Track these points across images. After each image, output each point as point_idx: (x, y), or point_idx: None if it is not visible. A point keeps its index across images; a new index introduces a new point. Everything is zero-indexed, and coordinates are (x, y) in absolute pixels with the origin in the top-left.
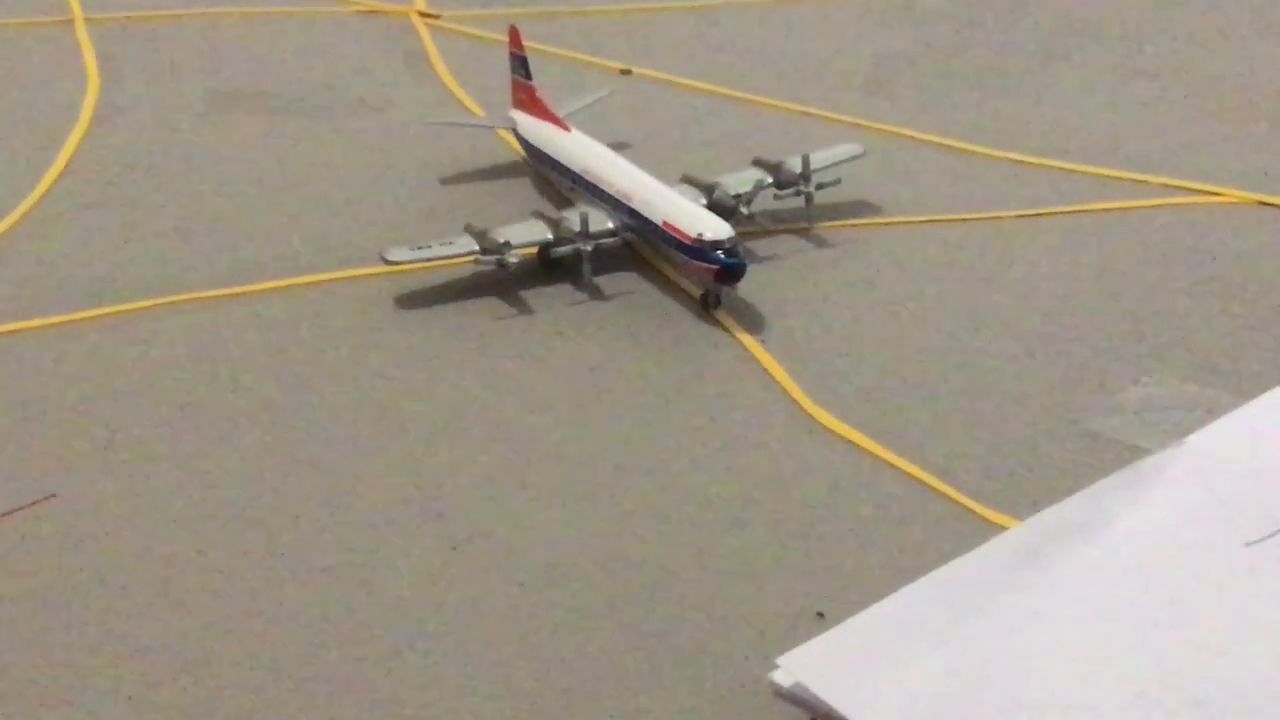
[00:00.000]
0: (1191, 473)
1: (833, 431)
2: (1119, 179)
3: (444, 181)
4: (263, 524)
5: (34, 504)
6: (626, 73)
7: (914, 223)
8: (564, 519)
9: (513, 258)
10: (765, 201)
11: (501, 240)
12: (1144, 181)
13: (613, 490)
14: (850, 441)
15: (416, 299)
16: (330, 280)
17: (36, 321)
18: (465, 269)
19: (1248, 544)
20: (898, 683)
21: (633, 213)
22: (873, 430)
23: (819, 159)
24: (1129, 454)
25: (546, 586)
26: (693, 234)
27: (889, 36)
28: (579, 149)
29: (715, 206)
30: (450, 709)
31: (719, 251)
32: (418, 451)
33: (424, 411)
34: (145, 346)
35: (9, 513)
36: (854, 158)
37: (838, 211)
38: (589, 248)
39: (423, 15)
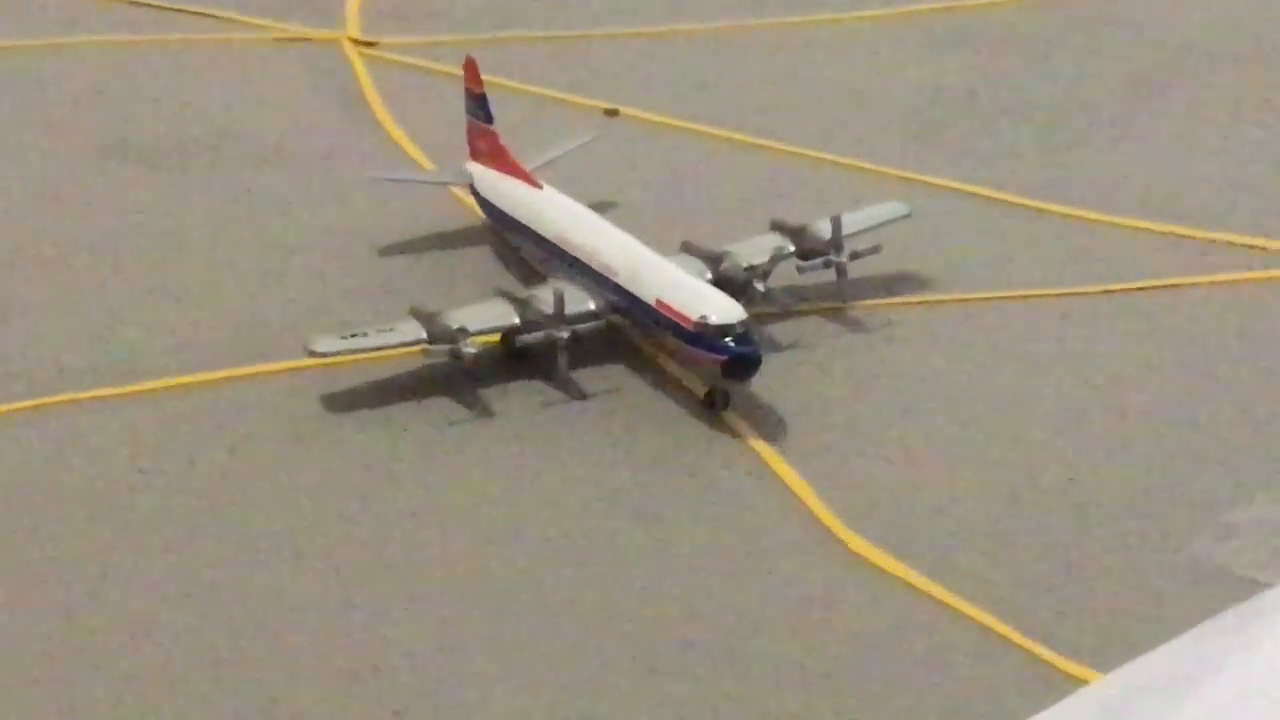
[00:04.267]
0: None
1: (870, 560)
2: (1227, 243)
3: (384, 252)
4: (156, 673)
5: None
6: (613, 113)
7: (969, 300)
8: (531, 678)
9: (470, 347)
10: (786, 274)
11: (455, 326)
12: (1261, 248)
13: (595, 641)
14: (891, 573)
15: (350, 399)
16: (243, 376)
17: None
18: (411, 361)
19: None
20: None
21: (619, 290)
22: (919, 559)
23: (853, 221)
24: (1239, 588)
25: None
26: (694, 317)
27: (941, 68)
28: (552, 210)
29: (723, 281)
30: None
31: (727, 339)
32: (350, 590)
33: (358, 539)
34: (12, 457)
35: None
36: (897, 219)
37: (876, 287)
38: (565, 334)
39: (356, 43)
